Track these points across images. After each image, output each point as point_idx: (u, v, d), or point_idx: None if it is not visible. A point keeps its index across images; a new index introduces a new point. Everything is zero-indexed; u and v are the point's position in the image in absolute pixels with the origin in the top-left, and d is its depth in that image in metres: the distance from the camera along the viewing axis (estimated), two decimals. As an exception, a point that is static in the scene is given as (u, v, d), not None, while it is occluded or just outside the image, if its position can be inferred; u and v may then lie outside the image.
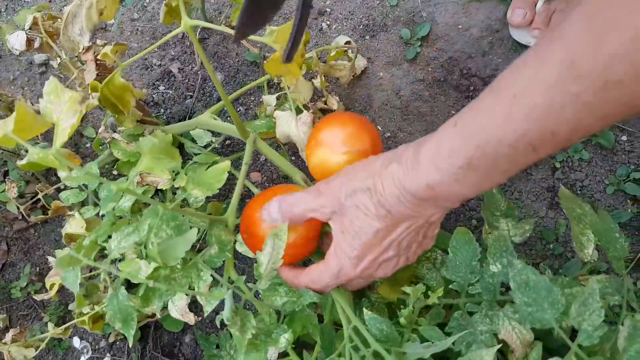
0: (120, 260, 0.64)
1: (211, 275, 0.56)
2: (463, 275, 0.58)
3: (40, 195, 0.94)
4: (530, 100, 0.34)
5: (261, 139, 0.73)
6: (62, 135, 0.44)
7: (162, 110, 1.04)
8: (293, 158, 1.01)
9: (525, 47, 1.02)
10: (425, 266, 0.63)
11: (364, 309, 0.53)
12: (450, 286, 0.59)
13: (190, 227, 0.51)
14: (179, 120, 1.03)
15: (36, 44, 0.85)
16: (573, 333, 0.53)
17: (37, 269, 1.05)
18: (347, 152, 0.59)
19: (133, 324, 0.51)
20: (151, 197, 0.93)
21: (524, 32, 1.01)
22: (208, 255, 0.57)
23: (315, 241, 0.60)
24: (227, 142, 1.00)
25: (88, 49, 0.67)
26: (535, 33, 0.99)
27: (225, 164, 0.57)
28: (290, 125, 0.78)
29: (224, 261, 0.57)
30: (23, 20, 0.90)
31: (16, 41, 0.82)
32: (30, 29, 0.84)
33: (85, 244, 0.55)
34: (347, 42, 0.95)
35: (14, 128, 0.41)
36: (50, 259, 0.84)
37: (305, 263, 0.71)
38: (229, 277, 0.57)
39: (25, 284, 1.03)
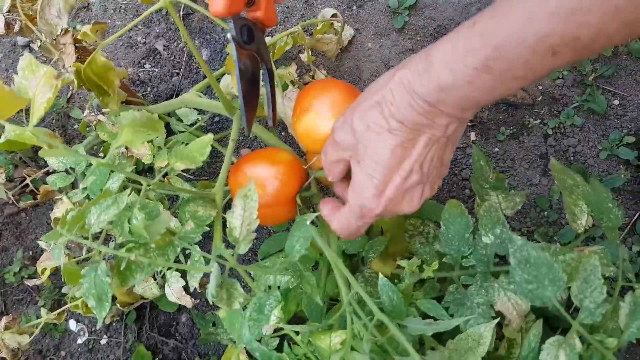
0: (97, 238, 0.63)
1: (192, 251, 0.55)
2: (456, 248, 0.57)
3: (28, 180, 0.93)
4: (556, 0, 0.32)
5: None
6: (38, 111, 0.43)
7: (149, 89, 1.02)
8: (283, 134, 1.00)
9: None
10: (418, 240, 0.62)
11: (380, 274, 0.53)
12: (443, 259, 0.58)
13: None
14: (167, 99, 1.01)
15: (16, 27, 0.82)
16: (569, 307, 0.53)
17: (30, 253, 1.05)
18: (335, 114, 0.58)
19: (107, 305, 0.49)
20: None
21: (513, -3, 0.99)
22: (183, 232, 0.56)
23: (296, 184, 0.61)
24: (216, 119, 0.99)
25: (66, 31, 0.65)
26: (525, -2, 0.98)
27: (208, 137, 0.56)
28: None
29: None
30: (0, 2, 0.88)
31: None
32: (8, 11, 0.82)
33: (68, 219, 0.55)
34: (334, 15, 0.93)
35: None
36: (41, 242, 0.83)
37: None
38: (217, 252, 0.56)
39: (18, 268, 1.02)
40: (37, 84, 0.48)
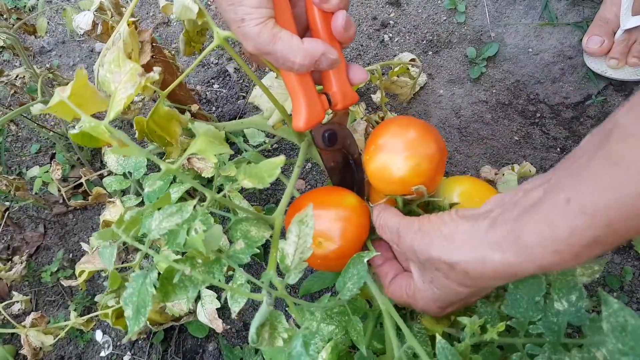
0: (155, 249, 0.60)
1: (237, 273, 0.51)
2: (524, 312, 0.50)
3: (83, 180, 0.93)
4: None
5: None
6: (117, 106, 0.41)
7: (214, 108, 1.02)
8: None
9: (600, 76, 0.95)
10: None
11: (437, 336, 0.47)
12: (508, 322, 0.52)
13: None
14: (230, 120, 1.00)
15: (98, 30, 0.84)
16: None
17: (71, 255, 1.03)
18: (410, 155, 0.53)
19: (143, 318, 0.45)
20: (191, 192, 0.91)
21: (599, 61, 0.95)
22: (232, 251, 0.52)
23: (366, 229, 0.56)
24: (275, 145, 0.97)
25: (144, 30, 0.66)
26: (612, 63, 0.93)
27: (280, 159, 0.53)
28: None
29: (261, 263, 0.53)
30: (88, 5, 0.91)
31: (82, 20, 0.82)
32: (96, 11, 0.84)
33: (126, 218, 0.52)
34: (412, 60, 0.91)
35: (71, 97, 0.39)
36: (84, 245, 0.81)
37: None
38: (270, 281, 0.52)
39: (56, 268, 1.01)
40: (121, 78, 0.47)
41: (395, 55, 1.01)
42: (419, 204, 0.57)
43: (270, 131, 0.77)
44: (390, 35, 1.02)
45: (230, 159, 0.79)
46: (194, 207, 0.48)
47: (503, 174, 0.79)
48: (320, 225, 0.54)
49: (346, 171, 0.62)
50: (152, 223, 0.48)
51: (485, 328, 0.53)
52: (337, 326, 0.55)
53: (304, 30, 0.56)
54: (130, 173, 0.78)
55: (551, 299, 0.53)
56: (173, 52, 0.79)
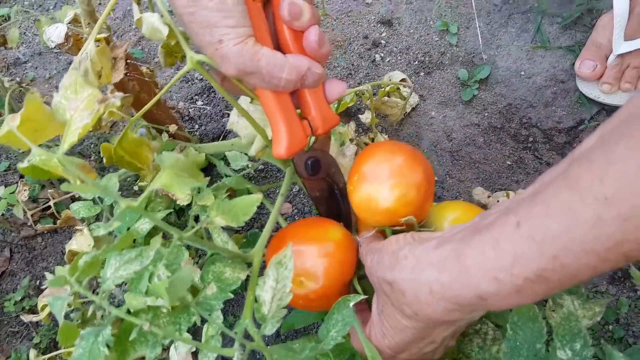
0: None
1: (209, 322, 0.46)
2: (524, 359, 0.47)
3: (51, 202, 0.87)
4: (631, 201, 0.26)
5: None
6: (71, 136, 0.36)
7: (197, 126, 0.97)
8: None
9: (593, 101, 0.94)
10: (474, 342, 0.52)
11: None
12: None
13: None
14: (213, 139, 0.96)
15: (71, 42, 0.79)
16: None
17: (37, 282, 0.96)
18: (397, 184, 0.49)
19: None
20: (167, 220, 0.85)
21: (592, 85, 0.93)
22: (202, 297, 0.47)
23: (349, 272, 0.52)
24: (262, 167, 0.92)
25: (118, 45, 0.61)
26: (604, 88, 0.92)
27: (257, 197, 0.48)
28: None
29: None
30: (63, 16, 0.86)
31: (54, 33, 0.76)
32: (70, 23, 0.79)
33: (80, 264, 0.46)
34: (403, 79, 0.88)
35: (21, 125, 0.34)
36: (48, 275, 0.75)
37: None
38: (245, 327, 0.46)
39: (20, 297, 0.93)
40: (78, 106, 0.42)
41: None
42: None
43: (262, 158, 0.73)
44: (382, 55, 0.99)
45: (210, 184, 0.74)
46: (162, 245, 0.43)
47: (497, 200, 0.76)
48: (301, 262, 0.49)
49: (332, 201, 0.58)
50: (107, 271, 0.43)
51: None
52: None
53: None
54: (101, 198, 0.72)
55: (553, 347, 0.49)
56: (152, 69, 0.74)
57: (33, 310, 0.95)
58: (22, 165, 0.39)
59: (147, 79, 0.75)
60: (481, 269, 0.32)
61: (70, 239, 0.97)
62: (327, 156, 0.55)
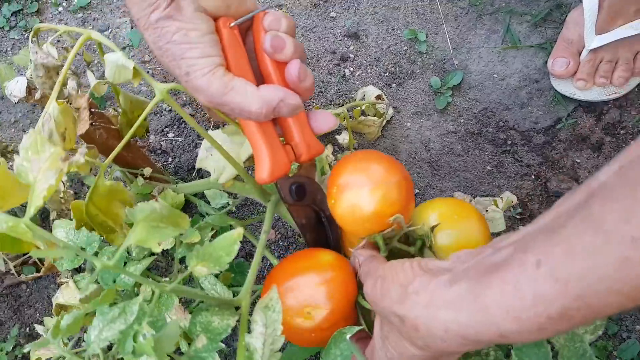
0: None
1: None
2: None
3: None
4: None
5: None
6: (37, 200, 0.35)
7: (170, 159, 0.96)
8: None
9: (568, 99, 0.93)
10: None
11: None
12: None
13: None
14: (188, 170, 0.94)
15: (37, 95, 0.77)
16: None
17: (27, 329, 0.95)
18: (377, 186, 0.49)
19: None
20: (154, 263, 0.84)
21: (567, 83, 0.92)
22: (193, 351, 0.46)
23: (350, 320, 0.51)
24: (243, 203, 0.91)
25: (81, 95, 0.59)
26: (579, 84, 0.90)
27: (238, 232, 0.47)
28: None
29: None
30: (22, 61, 0.83)
31: (15, 87, 0.74)
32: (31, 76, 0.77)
33: (62, 326, 0.46)
34: (378, 96, 0.86)
35: None
36: (39, 328, 0.74)
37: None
38: None
39: (12, 347, 0.93)
40: (40, 167, 0.41)
41: (357, 90, 0.97)
42: (399, 239, 0.53)
43: (232, 191, 0.72)
44: (351, 69, 0.97)
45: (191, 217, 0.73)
46: (145, 301, 0.42)
47: (487, 211, 0.75)
48: (303, 295, 0.49)
49: (319, 229, 0.57)
50: (91, 334, 0.42)
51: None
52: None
53: (260, 81, 0.52)
54: (83, 248, 0.71)
55: None
56: (120, 111, 0.73)
57: (26, 358, 0.94)
58: None
59: (113, 125, 0.74)
60: (502, 310, 0.32)
61: (54, 283, 0.96)
62: (313, 183, 0.55)
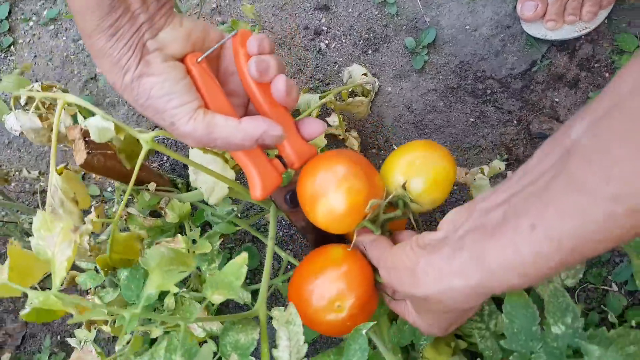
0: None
1: None
2: (524, 344, 0.51)
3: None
4: (638, 196, 0.28)
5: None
6: (60, 272, 0.39)
7: (165, 158, 0.98)
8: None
9: (541, 40, 0.94)
10: (474, 324, 0.56)
11: None
12: (510, 358, 0.52)
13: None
14: (184, 167, 0.97)
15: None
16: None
17: (58, 337, 1.01)
18: (340, 183, 0.51)
19: None
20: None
21: (537, 25, 0.93)
22: None
23: (375, 298, 0.55)
24: (247, 207, 0.94)
25: (73, 126, 0.62)
26: (549, 25, 0.92)
27: (242, 258, 0.50)
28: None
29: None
30: (7, 88, 0.84)
31: (15, 122, 0.77)
32: (26, 103, 0.79)
33: None
34: (364, 74, 0.88)
35: (11, 275, 0.36)
36: (71, 341, 0.79)
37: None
38: None
39: (47, 356, 0.98)
40: (55, 241, 0.44)
41: (335, 63, 0.98)
42: (384, 211, 0.55)
43: (234, 196, 0.75)
44: (326, 42, 0.99)
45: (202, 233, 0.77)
46: (174, 337, 0.46)
47: (474, 179, 0.78)
48: (329, 292, 0.52)
49: (318, 228, 0.60)
50: None
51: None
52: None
53: (246, 103, 0.53)
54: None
55: (547, 324, 0.53)
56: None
57: (63, 364, 1.00)
58: (25, 312, 0.42)
59: (110, 150, 0.76)
60: (506, 269, 0.36)
61: (75, 293, 1.01)
62: None
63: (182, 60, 0.45)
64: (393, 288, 0.48)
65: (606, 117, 0.31)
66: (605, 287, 0.90)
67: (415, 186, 0.55)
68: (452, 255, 0.39)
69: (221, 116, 0.45)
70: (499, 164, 0.72)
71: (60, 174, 0.54)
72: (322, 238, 0.60)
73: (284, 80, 0.47)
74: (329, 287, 0.52)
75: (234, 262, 0.48)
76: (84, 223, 0.57)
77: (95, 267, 0.73)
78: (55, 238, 0.40)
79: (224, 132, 0.45)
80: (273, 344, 0.50)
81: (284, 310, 0.50)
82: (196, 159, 0.62)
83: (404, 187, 0.55)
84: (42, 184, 0.94)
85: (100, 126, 0.52)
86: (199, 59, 0.45)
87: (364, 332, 0.48)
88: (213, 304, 0.81)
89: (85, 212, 0.61)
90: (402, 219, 0.56)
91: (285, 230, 0.96)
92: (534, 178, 0.35)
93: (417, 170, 0.55)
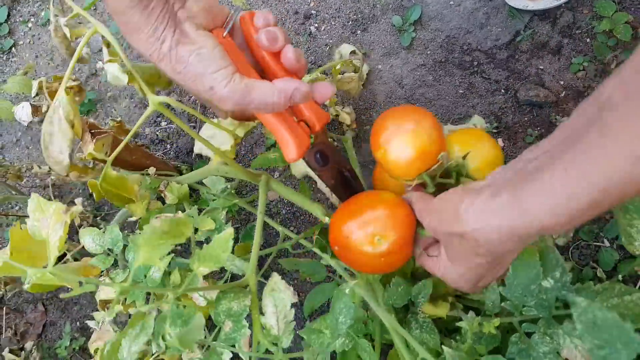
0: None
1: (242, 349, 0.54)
2: (519, 297, 0.54)
3: (69, 255, 0.94)
4: None
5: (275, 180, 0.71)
6: (54, 251, 0.43)
7: (168, 146, 1.02)
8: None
9: (523, 11, 0.98)
10: None
11: (445, 348, 0.52)
12: (502, 304, 0.56)
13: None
14: (187, 153, 1.01)
15: (44, 109, 0.83)
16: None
17: (78, 324, 1.06)
18: (418, 128, 0.55)
19: None
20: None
21: (519, -4, 0.97)
22: (224, 335, 0.54)
23: (410, 246, 0.57)
24: (242, 183, 0.98)
25: (84, 118, 0.65)
26: (531, -6, 0.95)
27: (228, 232, 0.54)
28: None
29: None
30: (12, 89, 0.88)
31: (22, 113, 0.80)
32: (37, 94, 0.82)
33: (104, 354, 0.54)
34: (353, 52, 0.91)
35: (15, 255, 0.41)
36: (90, 323, 0.84)
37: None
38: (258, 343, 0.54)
39: (68, 342, 1.03)
40: (49, 223, 0.48)
41: (326, 45, 1.02)
42: (440, 174, 0.59)
43: (228, 175, 0.79)
44: (316, 25, 1.02)
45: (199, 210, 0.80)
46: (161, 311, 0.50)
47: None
48: (373, 226, 0.55)
49: (346, 184, 0.63)
50: (123, 352, 0.51)
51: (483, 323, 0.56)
52: (346, 338, 0.59)
53: (259, 78, 0.57)
54: (110, 249, 0.79)
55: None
56: (119, 119, 0.79)
57: (84, 349, 1.05)
58: (26, 287, 0.46)
59: (116, 135, 0.80)
60: (541, 209, 0.38)
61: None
62: (330, 146, 0.61)
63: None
64: (433, 230, 0.50)
65: (636, 77, 0.34)
66: (598, 244, 0.94)
67: (471, 161, 0.59)
68: (492, 198, 0.42)
69: (254, 79, 0.48)
70: (479, 120, 0.76)
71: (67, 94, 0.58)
72: (348, 193, 0.63)
73: (292, 49, 0.51)
74: (374, 221, 0.55)
75: (220, 237, 0.52)
76: (73, 150, 0.60)
77: (104, 250, 0.77)
78: (48, 220, 0.44)
79: (260, 93, 0.48)
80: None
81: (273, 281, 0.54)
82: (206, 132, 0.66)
83: (464, 158, 0.59)
84: (52, 177, 0.98)
85: (116, 74, 0.56)
86: (224, 34, 0.49)
87: (346, 290, 0.52)
88: (224, 277, 0.85)
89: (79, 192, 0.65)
90: (452, 186, 0.59)
91: (288, 209, 1.00)
92: (570, 132, 0.39)
93: (475, 148, 0.61)
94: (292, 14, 1.02)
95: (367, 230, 0.55)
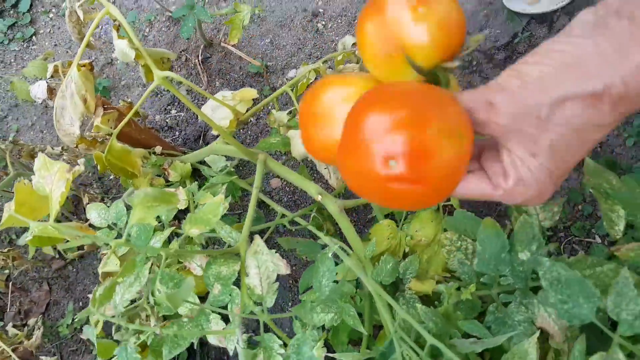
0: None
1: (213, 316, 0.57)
2: (493, 268, 0.56)
3: (73, 233, 0.97)
4: None
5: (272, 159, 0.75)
6: (55, 205, 0.46)
7: (177, 133, 1.06)
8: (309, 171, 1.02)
9: (521, 14, 1.02)
10: (457, 257, 0.62)
11: (418, 306, 0.54)
12: (481, 279, 0.58)
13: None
14: (195, 140, 1.05)
15: (54, 94, 0.87)
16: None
17: (80, 303, 1.08)
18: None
19: None
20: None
21: (517, 0, 1.01)
22: (212, 297, 0.56)
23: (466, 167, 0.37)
24: (237, 164, 1.02)
25: (98, 96, 0.70)
26: (529, -1, 0.99)
27: (219, 197, 0.58)
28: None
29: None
30: (31, 72, 0.93)
31: (38, 90, 0.85)
32: (52, 76, 0.87)
33: (97, 296, 0.58)
34: (354, 44, 0.95)
35: (19, 208, 0.44)
36: (90, 296, 0.86)
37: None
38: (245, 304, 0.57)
39: (70, 321, 1.06)
40: (52, 179, 0.51)
41: (332, 41, 1.06)
42: None
43: (228, 154, 0.83)
44: (323, 22, 1.07)
45: (200, 185, 0.84)
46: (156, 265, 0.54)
47: None
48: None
49: None
50: (116, 299, 0.54)
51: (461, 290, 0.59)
52: (335, 312, 0.61)
53: None
54: (114, 223, 0.82)
55: (515, 252, 0.58)
56: (130, 101, 0.83)
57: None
58: (28, 239, 0.49)
59: (124, 113, 0.84)
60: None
61: (96, 259, 1.08)
62: None
63: None
64: (511, 116, 0.33)
65: None
66: (589, 240, 0.96)
67: None
68: (633, 25, 0.31)
69: None
70: (479, 36, 0.79)
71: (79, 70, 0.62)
72: None
73: None
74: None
75: (212, 201, 0.56)
76: (83, 122, 0.64)
77: (108, 224, 0.80)
78: (52, 177, 0.48)
79: None
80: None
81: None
82: (207, 110, 0.70)
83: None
84: (64, 158, 1.02)
85: (125, 51, 0.61)
86: None
87: (330, 254, 0.55)
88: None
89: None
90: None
91: (289, 196, 1.03)
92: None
93: None
94: (301, 11, 1.07)
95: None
